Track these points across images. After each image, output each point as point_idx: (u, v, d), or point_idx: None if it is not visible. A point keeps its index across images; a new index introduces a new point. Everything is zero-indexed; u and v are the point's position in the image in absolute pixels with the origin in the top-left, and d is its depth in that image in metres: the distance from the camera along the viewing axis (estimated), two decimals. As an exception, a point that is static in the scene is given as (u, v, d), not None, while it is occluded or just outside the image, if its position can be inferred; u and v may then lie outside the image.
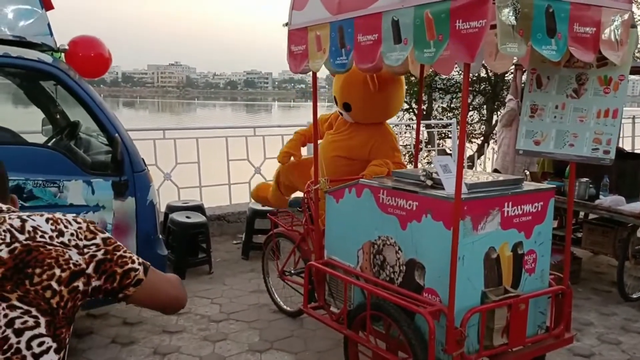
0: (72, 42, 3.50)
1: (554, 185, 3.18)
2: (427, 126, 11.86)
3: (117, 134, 3.42)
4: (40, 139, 4.20)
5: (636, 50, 13.91)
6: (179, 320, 4.27)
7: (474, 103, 15.36)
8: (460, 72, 11.42)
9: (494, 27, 2.21)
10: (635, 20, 2.84)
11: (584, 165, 5.62)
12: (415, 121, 14.85)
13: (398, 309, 2.73)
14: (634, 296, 4.89)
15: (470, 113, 15.27)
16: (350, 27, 2.84)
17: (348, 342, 3.12)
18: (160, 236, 3.92)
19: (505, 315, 2.67)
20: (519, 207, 2.75)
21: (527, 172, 5.85)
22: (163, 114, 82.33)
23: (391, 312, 2.76)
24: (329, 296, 3.40)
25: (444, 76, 16.00)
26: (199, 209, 5.76)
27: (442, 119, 14.21)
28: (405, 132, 14.31)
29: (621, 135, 6.44)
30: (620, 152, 5.84)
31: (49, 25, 3.36)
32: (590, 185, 5.14)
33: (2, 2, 3.24)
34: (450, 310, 2.51)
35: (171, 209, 5.66)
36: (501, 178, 2.97)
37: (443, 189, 2.67)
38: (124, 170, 3.53)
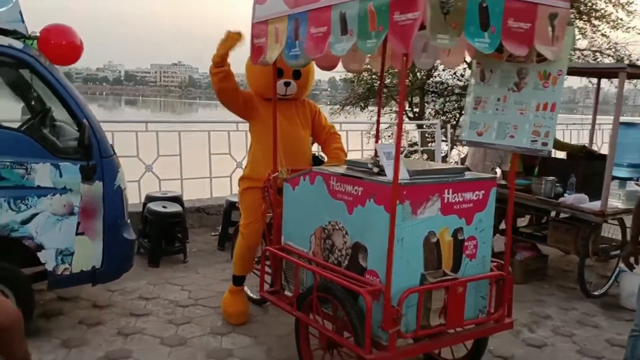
0: (45, 29, 3.62)
1: (494, 176, 3.28)
2: (419, 126, 12.03)
3: (85, 120, 3.55)
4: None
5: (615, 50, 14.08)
6: (147, 304, 4.39)
7: (462, 105, 15.50)
8: (454, 75, 11.45)
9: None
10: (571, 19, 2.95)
11: (553, 165, 5.81)
12: (408, 122, 15.02)
13: (342, 290, 2.85)
14: (596, 293, 5.01)
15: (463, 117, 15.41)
16: (304, 20, 2.97)
17: (299, 324, 3.24)
18: (129, 221, 4.04)
19: (442, 297, 2.79)
20: (459, 194, 2.87)
21: (498, 170, 5.97)
22: (165, 113, 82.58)
23: (336, 293, 2.88)
24: (285, 281, 3.51)
25: (437, 79, 16.22)
26: (177, 199, 5.89)
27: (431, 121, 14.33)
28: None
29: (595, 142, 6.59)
30: (590, 153, 5.98)
31: (20, 12, 3.49)
32: (557, 184, 5.27)
33: (-26, -10, 3.37)
34: (387, 289, 2.63)
35: (149, 198, 5.79)
36: (444, 167, 3.09)
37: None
38: (92, 155, 3.66)
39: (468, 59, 3.61)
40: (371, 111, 16.79)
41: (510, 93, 2.93)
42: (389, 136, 15.57)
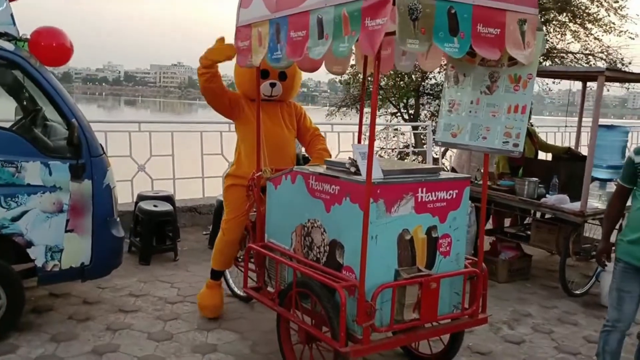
0: (35, 32, 3.74)
1: (468, 176, 3.36)
2: (414, 128, 12.14)
3: (74, 119, 3.65)
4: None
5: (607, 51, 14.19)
6: (136, 301, 4.49)
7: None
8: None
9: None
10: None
11: (538, 166, 5.92)
12: (402, 124, 15.12)
13: (320, 286, 2.95)
14: (577, 292, 5.12)
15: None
16: (285, 24, 3.07)
17: (280, 319, 3.34)
18: (118, 219, 4.14)
19: (416, 293, 2.89)
20: (433, 193, 2.97)
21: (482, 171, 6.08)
22: (164, 114, 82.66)
23: (314, 288, 2.98)
24: (267, 277, 3.62)
25: (432, 82, 16.33)
26: (169, 199, 5.99)
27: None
28: (393, 137, 14.55)
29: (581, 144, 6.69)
30: (574, 155, 6.09)
31: (12, 15, 3.60)
32: (540, 185, 5.38)
33: (-33, -6, 3.48)
34: (361, 284, 2.73)
35: (141, 197, 5.89)
36: (419, 167, 3.20)
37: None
38: (82, 154, 3.76)
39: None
40: (366, 113, 16.87)
41: (482, 96, 3.04)
42: (384, 137, 15.69)
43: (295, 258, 3.29)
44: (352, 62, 4.16)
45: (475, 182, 5.86)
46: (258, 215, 3.70)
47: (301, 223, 3.26)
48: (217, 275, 4.18)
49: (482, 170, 6.11)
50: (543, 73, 6.26)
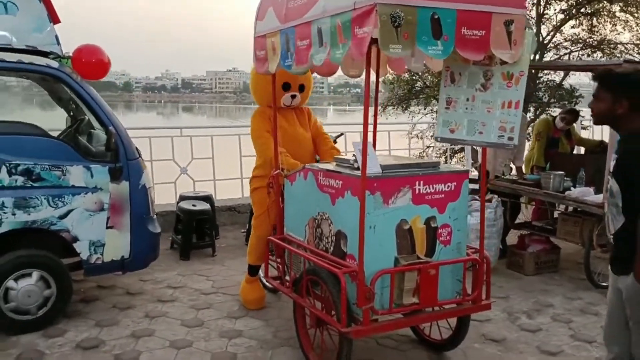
0: (77, 49, 4.17)
1: (466, 169, 3.54)
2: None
3: (111, 127, 4.05)
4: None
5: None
6: (174, 292, 4.87)
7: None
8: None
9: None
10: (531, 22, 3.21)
11: (565, 160, 5.94)
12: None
13: (327, 273, 3.21)
14: (604, 283, 5.12)
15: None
16: (292, 34, 3.34)
17: (295, 305, 3.62)
18: (154, 216, 4.53)
19: (415, 279, 3.10)
20: (430, 186, 3.17)
21: (512, 166, 6.17)
22: (221, 119, 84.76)
23: (322, 275, 3.23)
24: (286, 267, 3.90)
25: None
26: (207, 199, 6.38)
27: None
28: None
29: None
30: (604, 147, 6.07)
31: (56, 36, 4.05)
32: (567, 179, 5.42)
33: (18, 19, 3.94)
34: (360, 270, 2.97)
35: (182, 198, 6.31)
36: (419, 162, 3.40)
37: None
38: (119, 158, 4.16)
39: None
40: (411, 112, 16.98)
41: (478, 93, 3.21)
42: (431, 136, 15.73)
43: (308, 248, 3.55)
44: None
45: (503, 177, 5.96)
46: (278, 211, 3.99)
47: (312, 216, 3.52)
48: (253, 270, 4.50)
49: (510, 165, 6.22)
50: (566, 67, 6.25)
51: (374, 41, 2.68)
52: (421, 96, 16.29)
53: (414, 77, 16.65)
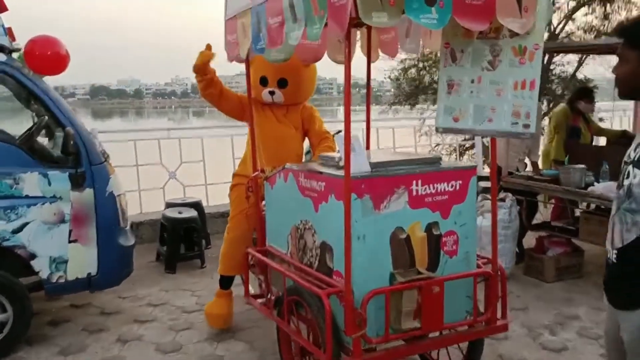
0: (30, 41, 3.70)
1: (473, 165, 3.00)
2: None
3: (69, 127, 3.57)
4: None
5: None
6: (153, 310, 4.39)
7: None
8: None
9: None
10: None
11: (585, 152, 5.38)
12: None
13: (309, 294, 2.69)
14: (635, 289, 4.57)
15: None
16: (263, 12, 2.84)
17: (279, 329, 3.11)
18: (127, 227, 4.05)
19: (415, 298, 2.57)
20: (430, 185, 2.65)
21: (527, 161, 5.61)
22: (232, 122, 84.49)
23: (305, 295, 2.72)
24: (267, 284, 3.39)
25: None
26: (196, 205, 5.89)
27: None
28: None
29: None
30: (631, 139, 5.49)
31: (3, 26, 3.57)
32: (588, 173, 4.87)
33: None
34: (347, 290, 2.45)
35: (168, 205, 5.83)
36: (415, 157, 2.87)
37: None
38: (81, 163, 3.68)
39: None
40: (419, 108, 16.40)
41: (484, 73, 2.67)
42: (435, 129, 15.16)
43: (291, 263, 3.04)
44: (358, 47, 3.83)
45: (517, 173, 5.41)
46: (259, 219, 3.49)
47: (294, 224, 3.01)
48: (225, 282, 3.98)
49: (523, 160, 5.66)
50: (581, 48, 5.72)
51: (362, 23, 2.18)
52: (429, 92, 15.70)
53: (421, 73, 16.09)
